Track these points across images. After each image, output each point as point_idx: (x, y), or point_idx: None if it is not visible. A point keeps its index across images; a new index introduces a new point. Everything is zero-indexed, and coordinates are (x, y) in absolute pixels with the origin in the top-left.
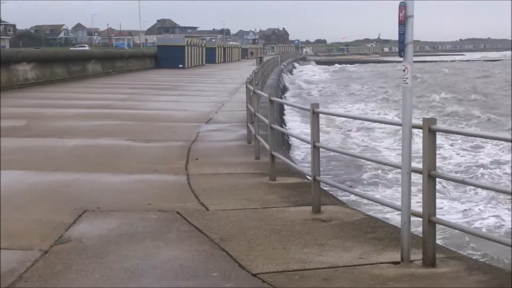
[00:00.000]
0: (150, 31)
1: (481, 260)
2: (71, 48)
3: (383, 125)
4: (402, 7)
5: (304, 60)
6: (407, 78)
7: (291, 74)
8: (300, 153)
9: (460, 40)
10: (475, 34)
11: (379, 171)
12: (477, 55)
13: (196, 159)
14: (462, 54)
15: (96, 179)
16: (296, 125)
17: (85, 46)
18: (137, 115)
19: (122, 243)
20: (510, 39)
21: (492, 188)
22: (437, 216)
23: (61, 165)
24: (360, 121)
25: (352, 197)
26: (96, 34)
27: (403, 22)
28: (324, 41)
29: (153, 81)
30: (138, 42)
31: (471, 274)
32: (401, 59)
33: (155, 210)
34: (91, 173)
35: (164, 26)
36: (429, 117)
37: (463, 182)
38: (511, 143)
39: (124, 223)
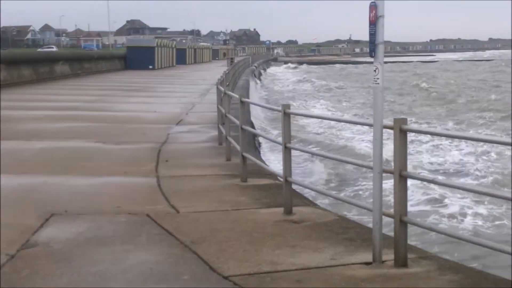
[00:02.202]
0: (119, 32)
1: (452, 259)
2: (39, 49)
3: None
4: (373, 7)
5: (275, 60)
6: (378, 79)
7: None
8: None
9: (431, 40)
10: (445, 35)
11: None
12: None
13: (167, 161)
14: (432, 55)
15: (64, 182)
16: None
17: (52, 47)
18: (107, 117)
19: (90, 247)
20: (479, 39)
21: (462, 187)
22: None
23: (29, 168)
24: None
25: (325, 197)
26: (64, 35)
27: (374, 22)
28: (296, 42)
29: (123, 82)
30: (107, 43)
31: (442, 273)
32: (372, 59)
33: (125, 213)
34: (59, 176)
35: (133, 27)
36: (400, 117)
37: (433, 182)
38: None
39: (92, 226)
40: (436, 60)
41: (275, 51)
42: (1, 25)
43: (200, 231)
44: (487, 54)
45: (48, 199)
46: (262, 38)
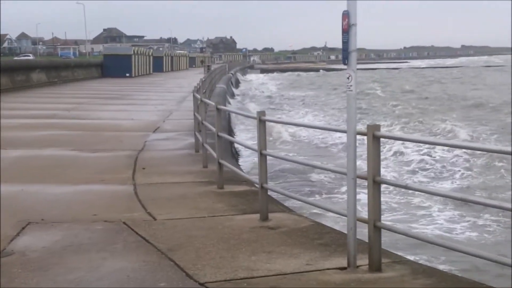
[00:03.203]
0: (96, 40)
1: (425, 263)
2: (15, 58)
3: None
4: (346, 15)
5: (252, 68)
6: (351, 86)
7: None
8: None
9: (405, 48)
10: (419, 42)
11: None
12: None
13: (144, 168)
14: (406, 62)
15: (41, 190)
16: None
17: (29, 56)
18: (83, 124)
19: (66, 255)
20: (452, 46)
21: (435, 192)
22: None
23: (5, 176)
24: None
25: (301, 203)
26: (40, 43)
27: (347, 31)
28: (272, 49)
29: (100, 90)
30: (84, 51)
31: (416, 278)
32: (345, 66)
33: (101, 221)
34: (35, 184)
35: (110, 35)
36: (373, 123)
37: (406, 188)
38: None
39: (69, 234)
40: (399, 67)
41: (252, 58)
42: None
43: (177, 238)
44: (451, 61)
45: (25, 208)
46: (238, 46)
